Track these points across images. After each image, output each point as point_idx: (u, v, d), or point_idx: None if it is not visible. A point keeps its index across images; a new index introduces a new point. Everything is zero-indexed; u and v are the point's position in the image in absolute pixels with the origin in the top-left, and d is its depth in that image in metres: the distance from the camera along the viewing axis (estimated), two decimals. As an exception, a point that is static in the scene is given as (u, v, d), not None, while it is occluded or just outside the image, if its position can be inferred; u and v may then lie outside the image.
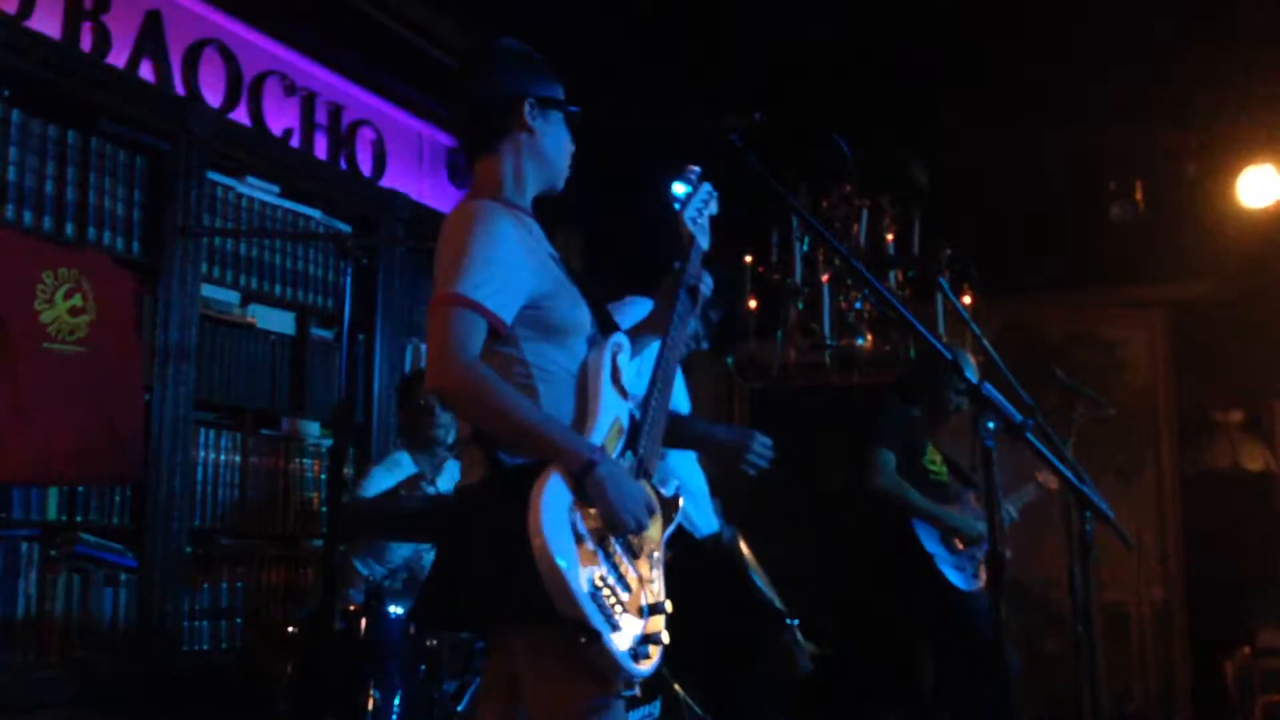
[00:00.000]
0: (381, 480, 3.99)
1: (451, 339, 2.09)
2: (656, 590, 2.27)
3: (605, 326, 2.39)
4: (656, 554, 2.31)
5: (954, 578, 4.55)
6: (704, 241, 2.56)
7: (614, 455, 2.24)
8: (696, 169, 2.55)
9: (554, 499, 2.09)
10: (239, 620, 4.24)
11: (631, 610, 2.16)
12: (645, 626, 2.19)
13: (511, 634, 2.20)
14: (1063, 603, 6.35)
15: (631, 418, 2.35)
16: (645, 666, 2.15)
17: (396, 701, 3.42)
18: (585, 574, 2.07)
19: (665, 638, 2.23)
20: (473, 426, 2.23)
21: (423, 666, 3.49)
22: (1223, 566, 6.27)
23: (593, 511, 2.14)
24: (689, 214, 2.53)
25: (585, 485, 2.12)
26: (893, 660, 5.89)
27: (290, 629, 3.60)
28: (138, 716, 3.72)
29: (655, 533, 2.32)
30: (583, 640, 2.04)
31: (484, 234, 2.17)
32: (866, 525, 4.78)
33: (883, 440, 4.60)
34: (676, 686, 4.01)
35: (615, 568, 2.16)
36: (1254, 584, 6.13)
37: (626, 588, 2.17)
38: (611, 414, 2.28)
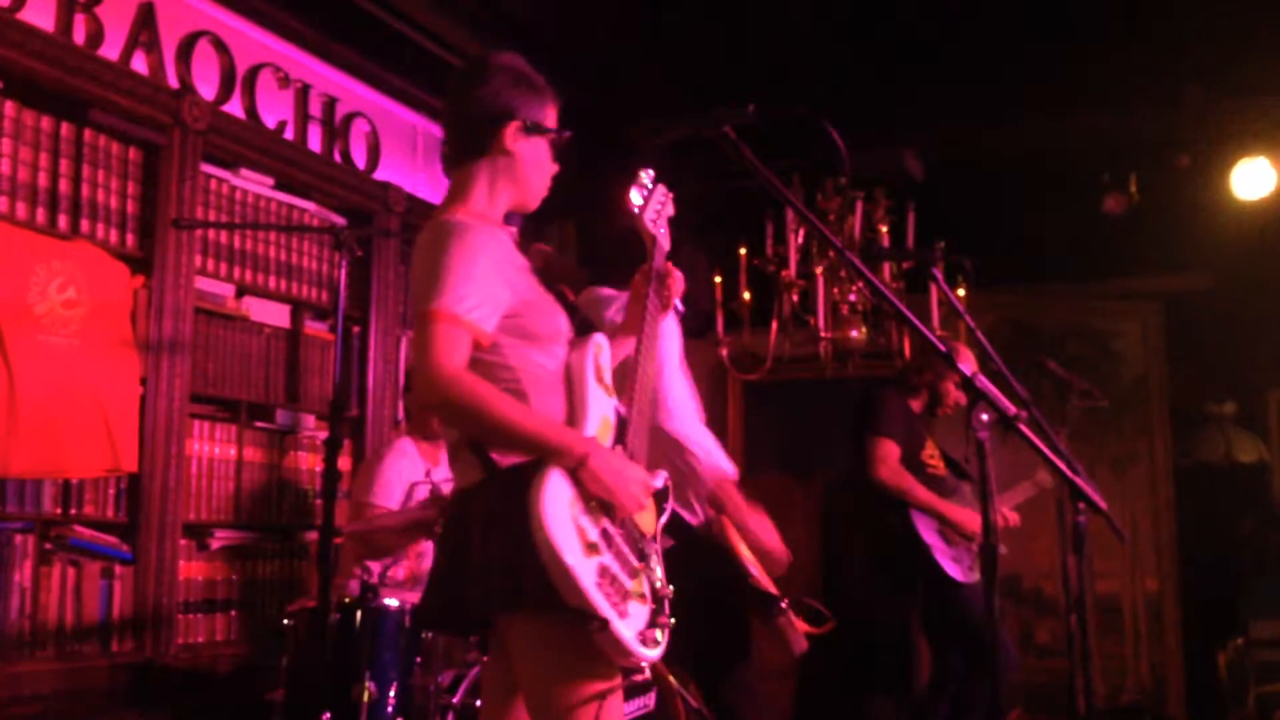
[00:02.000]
0: (390, 475, 3.94)
1: (437, 354, 2.13)
2: (658, 576, 2.33)
3: (583, 329, 2.46)
4: (653, 542, 2.37)
5: (951, 569, 4.56)
6: (665, 242, 2.62)
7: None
8: (650, 172, 2.59)
9: (554, 494, 2.14)
10: (234, 613, 4.25)
11: (636, 597, 2.22)
12: (651, 612, 2.25)
13: (512, 625, 2.23)
14: (1056, 594, 6.37)
15: (618, 413, 2.41)
16: (654, 650, 2.22)
17: (392, 693, 3.42)
18: (590, 564, 2.13)
19: (670, 621, 2.30)
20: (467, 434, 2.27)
21: (418, 658, 3.50)
22: (1216, 558, 6.28)
23: (593, 504, 2.20)
24: (648, 216, 2.59)
25: (582, 477, 2.17)
26: (888, 652, 5.91)
27: (286, 621, 3.60)
28: (133, 709, 3.72)
29: (649, 522, 2.37)
30: (593, 627, 2.10)
31: (461, 249, 2.22)
32: (864, 516, 4.79)
33: (885, 431, 4.60)
34: (670, 678, 4.02)
35: (617, 556, 2.22)
36: (1247, 575, 6.15)
37: (630, 575, 2.23)
38: (599, 411, 2.34)
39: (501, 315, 2.25)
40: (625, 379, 2.47)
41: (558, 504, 2.13)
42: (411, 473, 4.02)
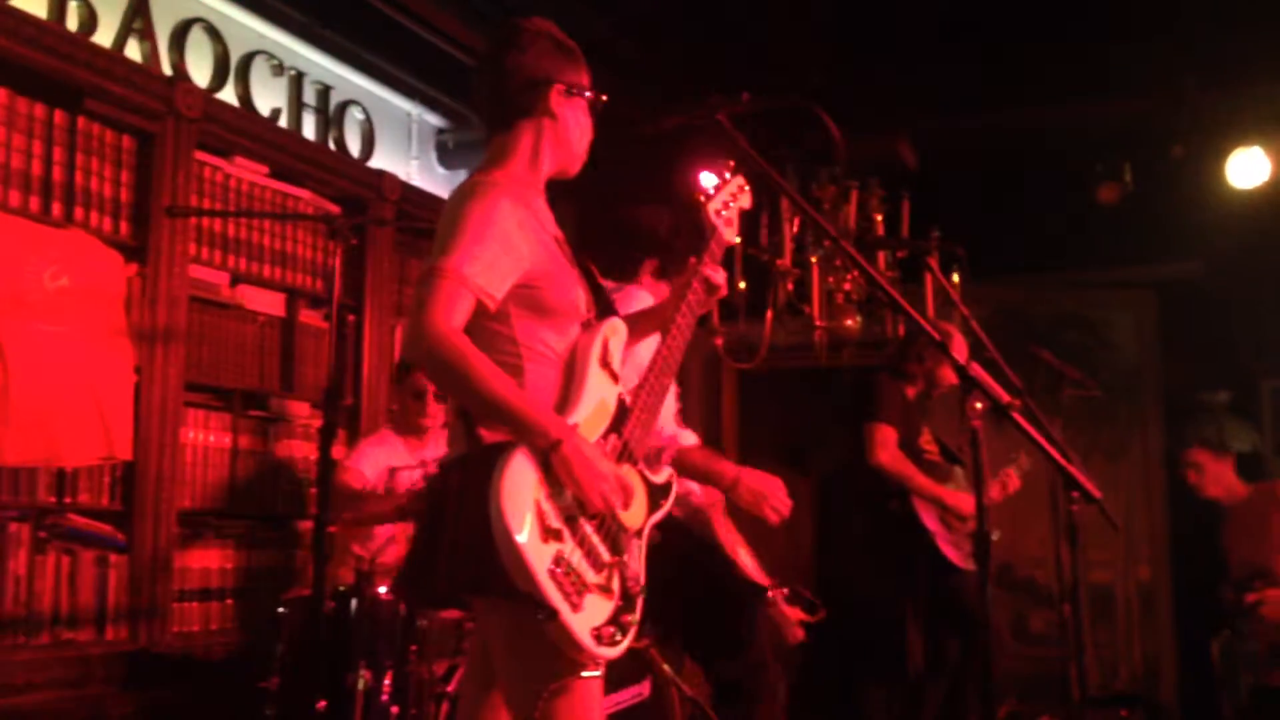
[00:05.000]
0: (369, 451, 4.04)
1: (434, 308, 2.10)
2: (632, 574, 2.25)
3: (603, 311, 2.40)
4: (637, 538, 2.30)
5: (952, 556, 4.57)
6: (728, 234, 2.58)
7: (595, 437, 2.23)
8: (731, 164, 2.55)
9: (518, 476, 2.08)
10: (229, 601, 4.25)
11: (597, 590, 2.15)
12: (614, 608, 2.18)
13: (488, 611, 2.22)
14: (1050, 583, 6.39)
15: (621, 401, 2.34)
16: (611, 649, 2.15)
17: (387, 682, 3.43)
18: (546, 551, 2.07)
19: (637, 619, 2.22)
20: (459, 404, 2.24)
21: (413, 646, 3.50)
22: (1209, 546, 6.30)
23: (566, 491, 2.14)
24: (713, 205, 2.56)
25: (553, 462, 2.11)
26: (884, 638, 5.91)
27: (280, 610, 3.60)
28: (128, 697, 3.73)
29: (636, 517, 2.30)
30: (540, 616, 2.04)
31: (481, 210, 2.19)
32: (864, 503, 4.78)
33: (884, 417, 4.60)
34: (666, 667, 4.03)
35: (582, 546, 2.15)
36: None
37: (595, 568, 2.16)
38: (596, 395, 2.27)
39: (515, 284, 2.21)
40: (644, 366, 2.40)
41: (519, 485, 2.08)
42: (390, 458, 4.06)
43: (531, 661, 2.14)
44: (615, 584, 2.20)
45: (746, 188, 2.64)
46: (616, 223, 3.71)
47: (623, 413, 2.33)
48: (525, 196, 2.32)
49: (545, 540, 2.08)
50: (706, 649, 3.53)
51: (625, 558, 2.24)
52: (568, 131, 2.41)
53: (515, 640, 2.16)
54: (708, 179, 2.56)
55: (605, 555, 2.19)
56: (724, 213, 2.58)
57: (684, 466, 3.21)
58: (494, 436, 2.16)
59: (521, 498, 2.07)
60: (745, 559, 3.36)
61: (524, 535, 2.04)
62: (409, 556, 2.32)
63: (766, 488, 3.23)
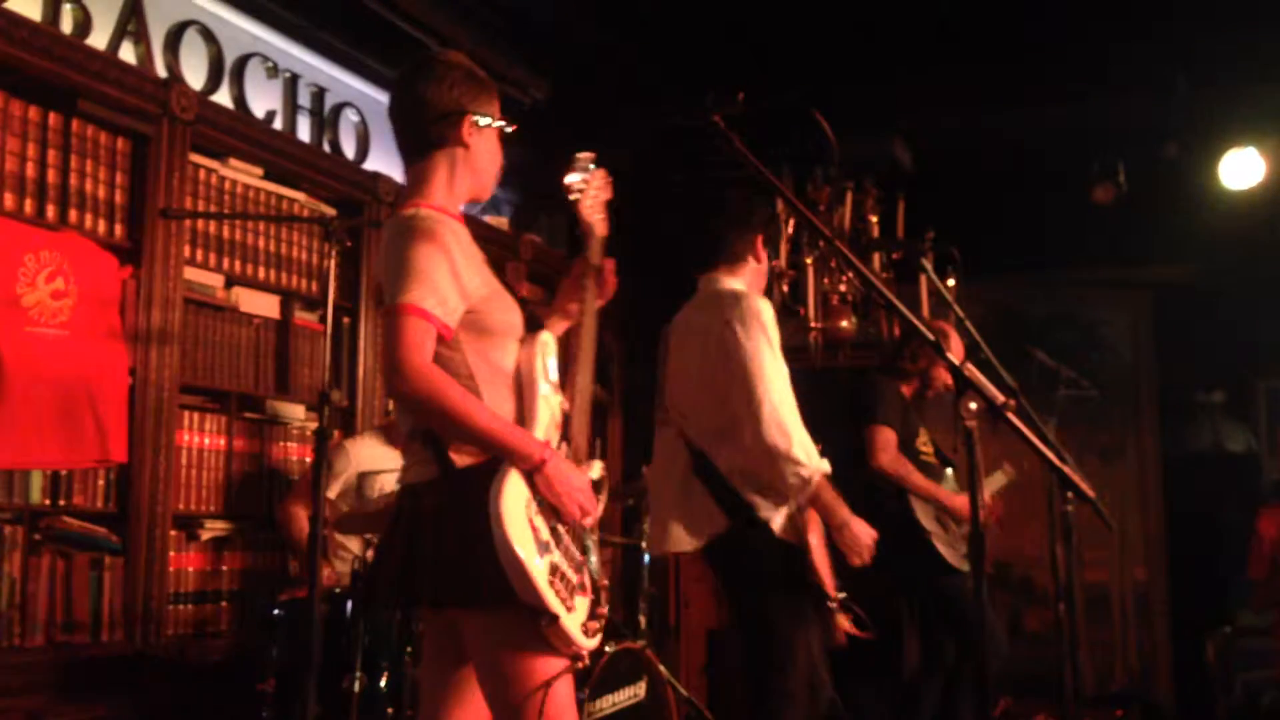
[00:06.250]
0: (350, 451, 4.10)
1: (408, 347, 2.23)
2: (594, 568, 2.45)
3: (531, 325, 2.52)
4: (594, 533, 2.50)
5: (948, 556, 4.58)
6: (600, 228, 2.68)
7: (553, 447, 2.39)
8: (588, 155, 2.63)
9: (513, 496, 2.25)
10: (224, 603, 4.25)
11: (579, 590, 2.34)
12: (591, 603, 2.38)
13: (466, 617, 2.33)
14: (1045, 582, 6.40)
15: (562, 410, 2.48)
16: (593, 640, 2.36)
17: (383, 683, 3.43)
18: (543, 563, 2.25)
19: (606, 611, 2.43)
20: (423, 427, 2.34)
21: (409, 649, 3.51)
22: (1204, 546, 6.31)
23: (545, 503, 2.32)
24: (586, 203, 2.64)
25: (537, 481, 2.29)
26: (879, 638, 5.90)
27: (276, 612, 3.60)
28: (122, 700, 3.72)
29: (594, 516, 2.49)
30: (543, 622, 2.22)
31: (427, 243, 2.31)
32: (860, 503, 4.77)
33: (883, 419, 4.59)
34: (662, 668, 4.03)
35: (565, 553, 2.34)
36: (1235, 564, 6.17)
37: (575, 569, 2.35)
38: (546, 409, 2.42)
39: (465, 310, 2.33)
40: (564, 372, 2.55)
41: (516, 505, 2.24)
42: (367, 464, 4.09)
43: (524, 663, 2.28)
44: (588, 580, 2.40)
45: (609, 179, 2.72)
46: (721, 208, 3.74)
47: (566, 420, 2.50)
48: (455, 224, 2.42)
49: (541, 554, 2.26)
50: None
51: (590, 554, 2.45)
52: (479, 160, 2.52)
53: (504, 645, 2.30)
54: (573, 176, 2.63)
55: (578, 555, 2.39)
56: (594, 208, 2.67)
57: (819, 487, 3.33)
58: (465, 460, 2.30)
59: (520, 517, 2.24)
60: (821, 561, 3.38)
61: (526, 551, 2.21)
62: (377, 562, 2.44)
63: (867, 539, 3.45)
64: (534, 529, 2.26)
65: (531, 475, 2.29)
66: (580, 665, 2.34)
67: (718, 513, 3.33)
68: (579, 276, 2.65)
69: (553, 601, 2.22)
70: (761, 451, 3.24)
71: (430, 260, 2.28)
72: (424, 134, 2.47)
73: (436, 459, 2.31)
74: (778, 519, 3.32)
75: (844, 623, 3.42)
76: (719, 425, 3.34)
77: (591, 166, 2.65)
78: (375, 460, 4.16)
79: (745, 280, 3.55)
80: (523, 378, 2.42)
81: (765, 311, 3.36)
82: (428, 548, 2.26)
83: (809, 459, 3.26)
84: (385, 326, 2.28)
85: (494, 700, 2.33)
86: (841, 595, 3.41)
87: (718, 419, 3.35)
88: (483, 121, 2.49)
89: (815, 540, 3.35)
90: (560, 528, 2.35)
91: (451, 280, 2.30)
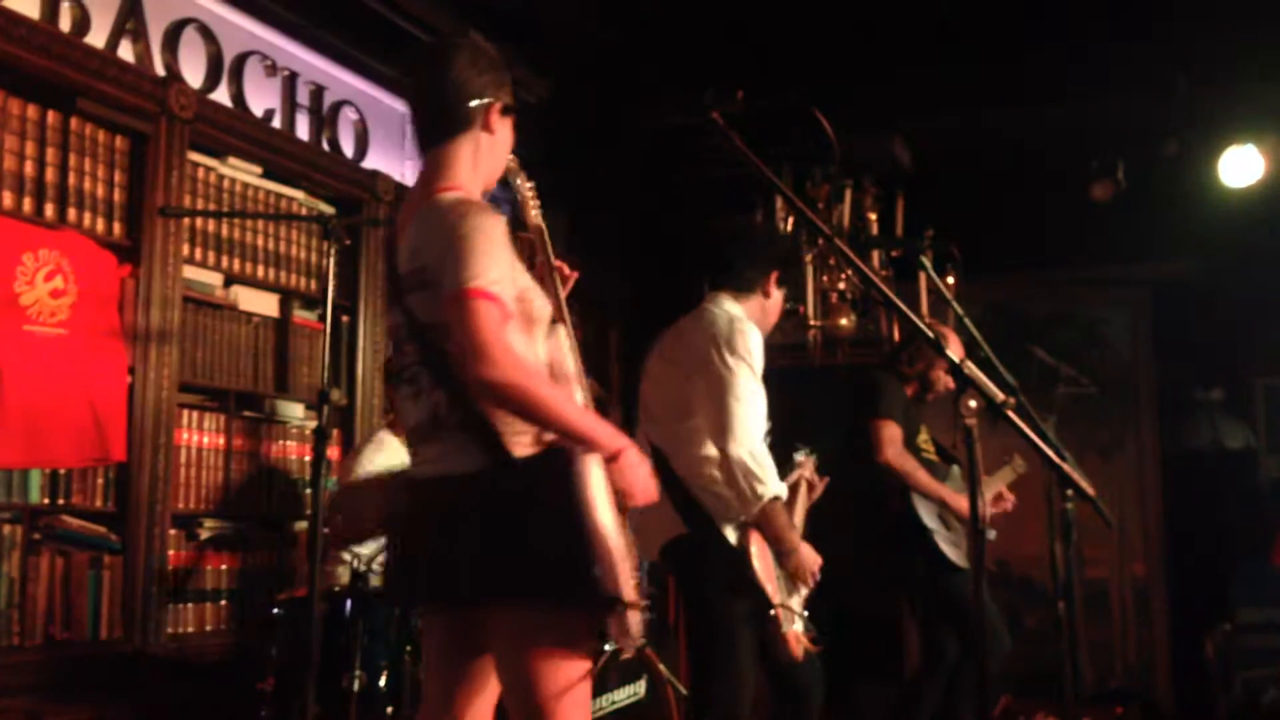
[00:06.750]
0: (373, 458, 4.00)
1: (490, 332, 2.14)
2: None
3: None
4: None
5: (950, 554, 4.58)
6: (542, 226, 2.68)
7: None
8: (514, 161, 2.60)
9: (599, 484, 2.19)
10: (223, 602, 4.25)
11: (634, 578, 2.29)
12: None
13: (501, 612, 2.24)
14: (1045, 580, 6.40)
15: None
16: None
17: (382, 682, 3.43)
18: (626, 552, 2.22)
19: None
20: (465, 414, 2.25)
21: (408, 647, 3.50)
22: (1203, 544, 6.31)
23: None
24: (533, 208, 2.65)
25: (612, 469, 2.24)
26: (880, 637, 5.92)
27: (275, 611, 3.60)
28: (122, 700, 3.72)
29: None
30: (618, 610, 2.16)
31: (485, 226, 2.23)
32: (863, 501, 4.78)
33: (889, 414, 4.58)
34: (661, 667, 4.03)
35: (626, 541, 2.28)
36: (1234, 561, 6.18)
37: (631, 557, 2.29)
38: (581, 400, 2.40)
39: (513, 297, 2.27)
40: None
41: (601, 495, 2.19)
42: (388, 463, 4.05)
43: (557, 661, 2.21)
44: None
45: (533, 187, 2.71)
46: (742, 236, 3.82)
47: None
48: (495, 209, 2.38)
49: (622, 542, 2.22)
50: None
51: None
52: (500, 148, 2.48)
53: (541, 642, 2.21)
54: (520, 181, 2.64)
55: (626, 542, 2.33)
56: (535, 206, 2.68)
57: (771, 511, 3.37)
58: (523, 449, 2.22)
59: (607, 505, 2.20)
60: (761, 569, 3.40)
61: (616, 541, 2.17)
62: (406, 566, 2.36)
63: (813, 565, 3.47)
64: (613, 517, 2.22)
65: (609, 463, 2.24)
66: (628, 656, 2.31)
67: (675, 517, 3.40)
68: (544, 277, 2.61)
69: (629, 590, 2.17)
70: (725, 463, 3.32)
71: (490, 242, 2.21)
72: (452, 117, 2.40)
73: (487, 448, 2.22)
74: (730, 528, 3.38)
75: (795, 635, 3.44)
76: (678, 432, 3.43)
77: (515, 167, 2.62)
78: (395, 461, 4.13)
79: (749, 309, 3.60)
80: (556, 368, 2.37)
81: (753, 338, 3.43)
82: (471, 540, 2.18)
83: (769, 480, 3.34)
84: (454, 314, 2.17)
85: (518, 696, 2.25)
86: (790, 606, 3.42)
87: (678, 426, 3.43)
88: (506, 110, 2.44)
89: (757, 549, 3.38)
90: (618, 514, 2.30)
91: (507, 263, 2.24)
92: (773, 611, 3.35)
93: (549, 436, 2.26)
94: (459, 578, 2.20)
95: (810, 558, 3.46)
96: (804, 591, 3.53)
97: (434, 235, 2.27)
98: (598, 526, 2.14)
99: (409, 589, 2.37)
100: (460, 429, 2.26)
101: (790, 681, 3.52)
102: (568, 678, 2.21)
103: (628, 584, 2.17)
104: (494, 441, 2.22)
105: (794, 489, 3.75)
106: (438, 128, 2.42)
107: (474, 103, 2.38)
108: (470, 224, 2.22)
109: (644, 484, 2.31)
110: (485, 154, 2.43)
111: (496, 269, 2.20)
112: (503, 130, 2.46)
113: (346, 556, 3.95)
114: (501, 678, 2.30)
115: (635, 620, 2.20)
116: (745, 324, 3.47)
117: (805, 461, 3.93)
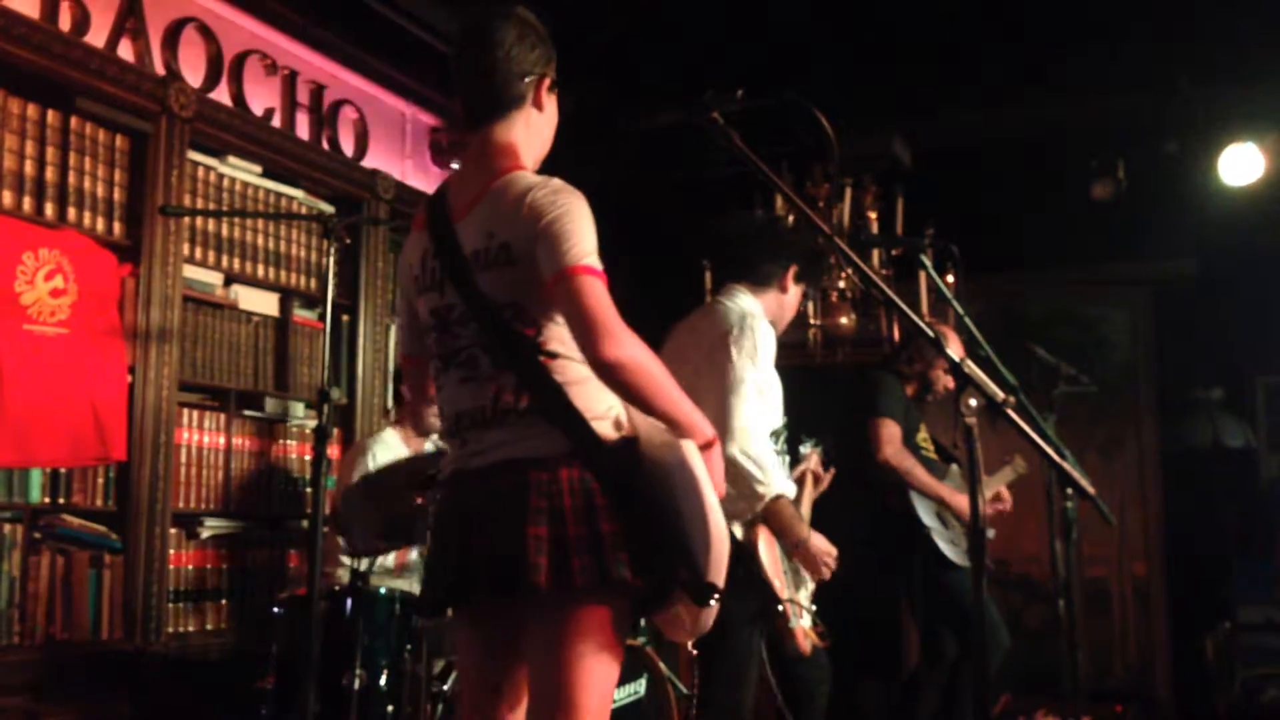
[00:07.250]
0: (381, 456, 3.99)
1: (608, 309, 2.11)
2: None
3: None
4: None
5: (949, 552, 4.58)
6: None
7: None
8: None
9: (702, 470, 2.16)
10: (224, 601, 4.25)
11: None
12: None
13: (557, 601, 2.14)
14: (1045, 579, 6.40)
15: None
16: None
17: (382, 681, 3.43)
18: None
19: None
20: (541, 396, 2.18)
21: (409, 645, 3.50)
22: (1203, 543, 6.31)
23: None
24: None
25: (705, 457, 2.18)
26: (879, 635, 5.91)
27: (276, 610, 3.60)
28: (123, 699, 3.72)
29: None
30: (713, 601, 2.13)
31: (577, 204, 2.21)
32: (862, 499, 4.77)
33: (888, 413, 4.58)
34: (662, 665, 4.03)
35: None
36: (1234, 560, 6.18)
37: None
38: None
39: None
40: None
41: (710, 482, 2.17)
42: (394, 456, 4.04)
43: (602, 655, 2.15)
44: None
45: None
46: (762, 230, 3.80)
47: None
48: None
49: None
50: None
51: None
52: (547, 128, 2.43)
53: (586, 638, 2.14)
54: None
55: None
56: None
57: (776, 508, 3.36)
58: (610, 434, 2.19)
59: (714, 494, 2.16)
60: (769, 565, 3.39)
61: (723, 530, 2.13)
62: (459, 557, 2.23)
63: (826, 553, 3.41)
64: None
65: (703, 450, 2.19)
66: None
67: None
68: None
69: (722, 580, 2.13)
70: (728, 459, 3.30)
71: (587, 220, 2.19)
72: (503, 95, 2.33)
73: (571, 431, 2.15)
74: (736, 525, 3.35)
75: (803, 630, 3.44)
76: None
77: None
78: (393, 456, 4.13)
79: (765, 303, 3.58)
80: None
81: (764, 336, 3.40)
82: (559, 525, 2.10)
83: (769, 479, 3.32)
84: (564, 291, 2.11)
85: (550, 683, 2.15)
86: (798, 601, 3.42)
87: None
88: (554, 86, 2.40)
89: (764, 545, 3.37)
90: None
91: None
92: (780, 607, 3.35)
93: (625, 421, 2.22)
94: (539, 566, 2.08)
95: (822, 547, 3.42)
96: (812, 586, 3.52)
97: (519, 214, 2.19)
98: (712, 510, 2.11)
99: (465, 586, 2.22)
100: (533, 412, 2.19)
101: (797, 676, 3.51)
102: (608, 669, 2.17)
103: (723, 571, 2.13)
104: (579, 424, 2.16)
105: (799, 482, 3.73)
106: (488, 106, 2.34)
107: (525, 80, 2.34)
108: (565, 202, 2.19)
109: (721, 476, 2.26)
110: (535, 131, 2.39)
111: (595, 248, 2.17)
112: (550, 106, 2.41)
113: (346, 559, 3.95)
114: (534, 662, 2.20)
115: (708, 614, 2.18)
116: (757, 320, 3.43)
117: (811, 454, 3.92)
